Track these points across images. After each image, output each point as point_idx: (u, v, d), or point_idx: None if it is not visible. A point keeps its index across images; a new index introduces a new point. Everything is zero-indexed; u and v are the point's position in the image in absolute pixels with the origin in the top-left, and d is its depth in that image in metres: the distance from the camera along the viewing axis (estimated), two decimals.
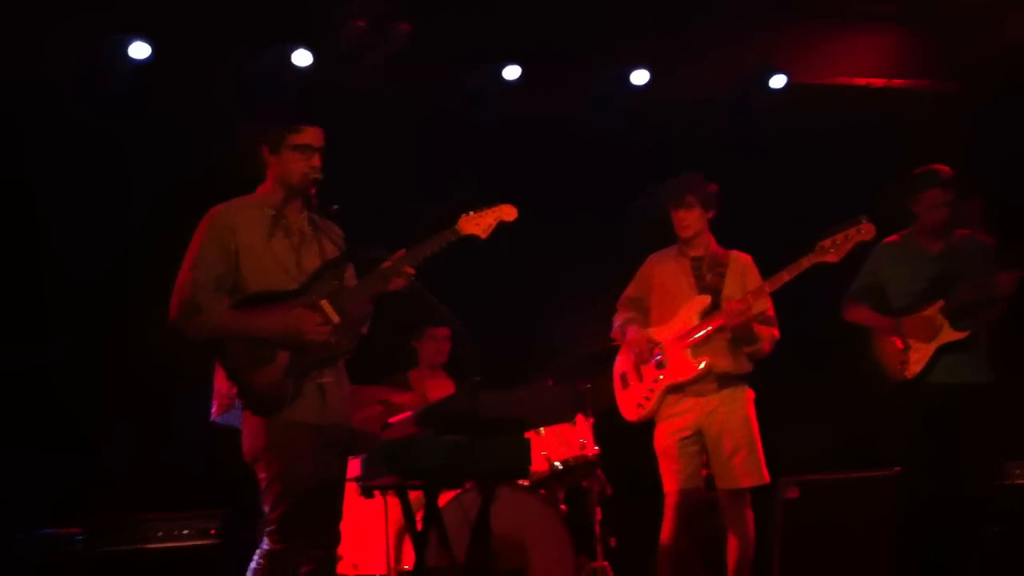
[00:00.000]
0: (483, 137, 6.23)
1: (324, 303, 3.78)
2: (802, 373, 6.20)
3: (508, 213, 4.02)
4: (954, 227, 5.04)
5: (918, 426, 4.92)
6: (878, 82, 6.67)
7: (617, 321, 5.05)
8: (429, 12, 5.83)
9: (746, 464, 4.75)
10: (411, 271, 3.81)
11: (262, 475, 3.73)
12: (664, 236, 5.03)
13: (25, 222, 5.64)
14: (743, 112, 6.49)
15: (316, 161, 3.84)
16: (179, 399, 5.10)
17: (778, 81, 6.41)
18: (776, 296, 4.81)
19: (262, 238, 3.81)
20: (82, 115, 5.68)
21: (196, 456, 5.32)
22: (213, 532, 4.86)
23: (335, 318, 3.77)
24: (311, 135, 3.84)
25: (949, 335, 4.87)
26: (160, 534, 4.75)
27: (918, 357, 4.91)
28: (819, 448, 6.23)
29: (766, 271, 4.84)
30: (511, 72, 6.14)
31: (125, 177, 5.77)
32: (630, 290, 5.08)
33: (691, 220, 4.87)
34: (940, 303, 4.89)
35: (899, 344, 4.97)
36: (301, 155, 3.82)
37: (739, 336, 4.76)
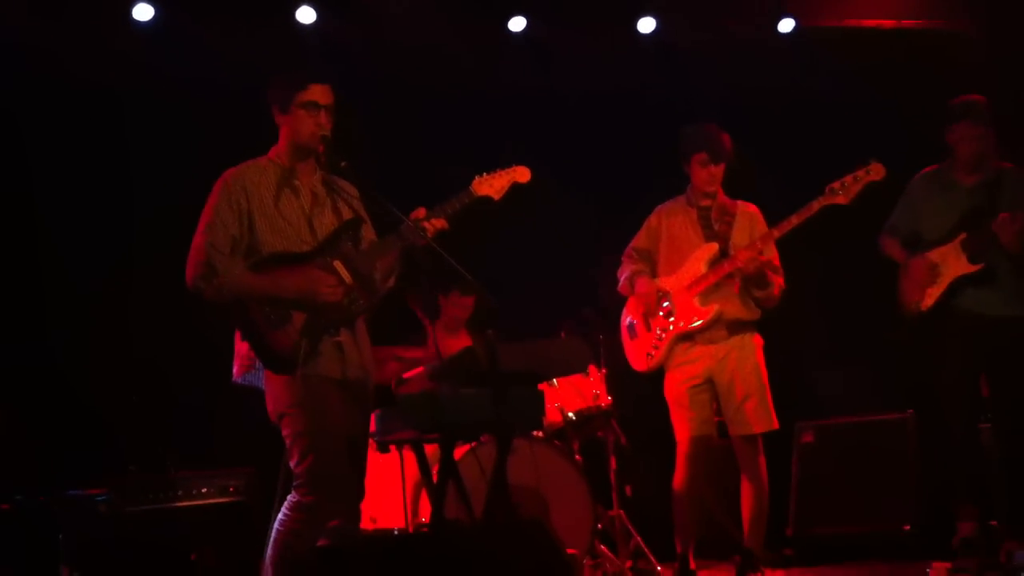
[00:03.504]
0: (494, 93, 6.19)
1: (338, 264, 3.81)
2: (817, 317, 6.20)
3: (522, 175, 4.06)
4: (995, 159, 4.93)
5: (943, 355, 4.89)
6: (888, 23, 6.60)
7: (623, 273, 5.05)
8: None
9: (758, 410, 4.78)
10: (430, 232, 3.84)
11: (287, 431, 3.78)
12: (673, 186, 5.02)
13: (23, 213, 5.65)
14: (751, 57, 6.43)
15: (323, 119, 3.86)
16: (199, 359, 5.15)
17: (787, 25, 6.35)
18: (789, 240, 4.80)
19: (272, 199, 3.84)
20: (79, 79, 5.65)
21: (216, 416, 5.36)
22: (232, 489, 4.90)
23: (348, 279, 3.81)
24: (318, 92, 3.85)
25: (964, 268, 4.84)
26: (180, 493, 4.80)
27: (932, 292, 4.89)
28: (834, 392, 6.24)
29: (776, 218, 4.83)
30: (516, 24, 6.10)
31: (125, 150, 5.76)
32: (637, 241, 5.07)
33: (720, 174, 4.86)
34: (963, 235, 4.85)
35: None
36: (308, 113, 3.84)
37: (753, 281, 4.76)
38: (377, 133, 5.64)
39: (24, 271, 5.64)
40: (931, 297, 4.87)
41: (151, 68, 5.71)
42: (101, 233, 5.71)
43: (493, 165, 4.08)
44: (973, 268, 4.81)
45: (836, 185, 4.68)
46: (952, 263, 4.84)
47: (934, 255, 4.89)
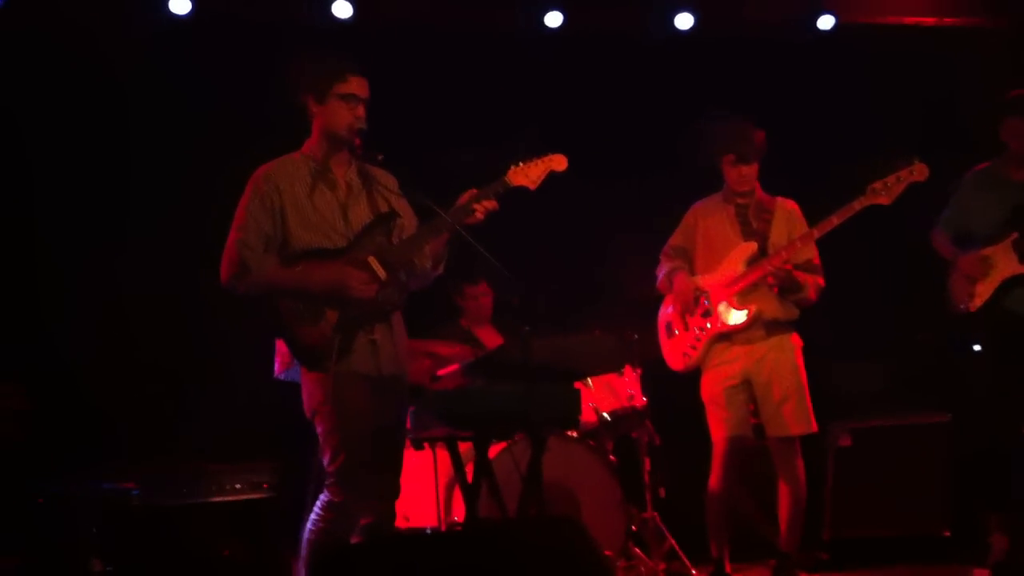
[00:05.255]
0: (528, 83, 6.14)
1: (371, 260, 3.77)
2: (855, 316, 6.12)
3: (559, 163, 3.96)
4: None
5: (989, 355, 4.83)
6: (928, 21, 6.52)
7: (661, 271, 5.00)
8: None
9: (796, 412, 4.71)
10: (480, 214, 3.77)
11: (320, 428, 3.75)
12: (711, 181, 4.96)
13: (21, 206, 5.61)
14: (790, 54, 6.36)
15: (361, 111, 3.82)
16: (236, 354, 5.15)
17: (826, 22, 6.28)
18: (828, 239, 4.72)
19: (306, 194, 3.80)
20: (90, 69, 5.60)
21: (250, 410, 5.35)
22: (266, 486, 4.88)
23: (382, 274, 3.77)
24: (356, 84, 3.81)
25: (1014, 268, 4.75)
26: (213, 487, 4.78)
27: (982, 290, 4.81)
28: (871, 392, 6.15)
29: (814, 217, 4.76)
30: (553, 19, 6.05)
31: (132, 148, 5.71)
32: (674, 239, 5.02)
33: (752, 174, 4.80)
34: (1015, 235, 4.76)
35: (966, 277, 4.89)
36: (346, 105, 3.80)
37: (783, 286, 4.70)
38: (416, 122, 5.61)
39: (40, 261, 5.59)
40: (980, 297, 4.80)
41: (160, 64, 5.68)
42: (104, 229, 5.66)
43: (526, 153, 3.98)
44: (1021, 269, 4.72)
45: (878, 185, 4.60)
46: (1003, 263, 4.76)
47: (984, 253, 4.82)
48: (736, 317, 4.75)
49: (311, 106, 3.84)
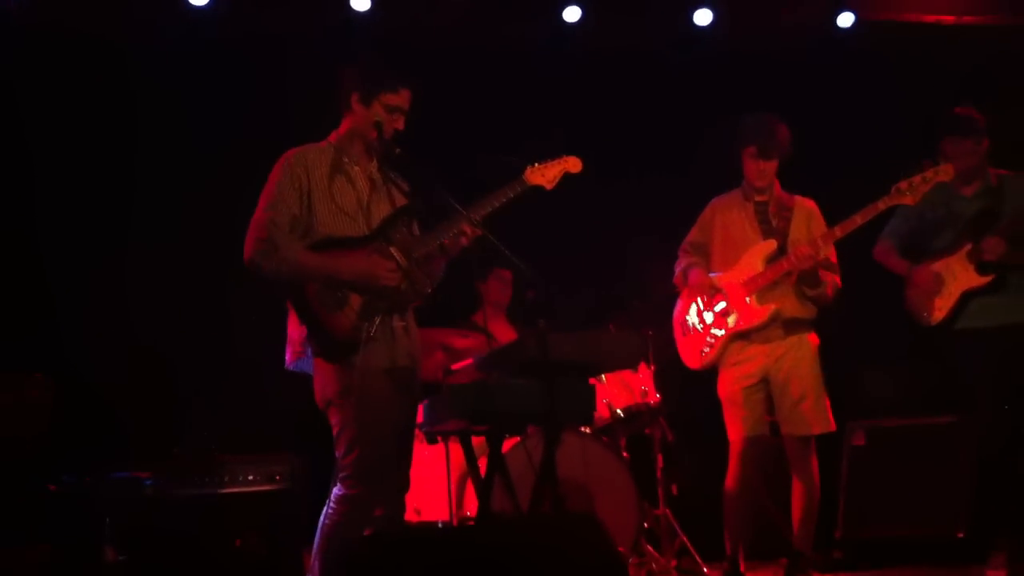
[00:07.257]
0: (548, 82, 6.13)
1: (394, 250, 3.78)
2: (870, 316, 6.09)
3: (573, 165, 4.06)
4: (989, 167, 4.89)
5: (968, 371, 4.84)
6: (948, 19, 6.48)
7: (679, 267, 4.98)
8: None
9: (814, 410, 4.69)
10: (466, 239, 3.83)
11: (334, 420, 3.75)
12: (730, 178, 4.93)
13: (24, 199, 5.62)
14: (810, 51, 6.34)
15: (401, 124, 3.85)
16: (247, 344, 5.15)
17: (846, 19, 6.25)
18: (846, 239, 4.70)
19: (330, 182, 3.82)
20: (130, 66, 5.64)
21: (262, 401, 5.36)
22: (278, 477, 4.88)
23: (404, 263, 3.79)
24: (405, 98, 3.84)
25: (973, 280, 4.75)
26: (227, 478, 4.79)
27: (942, 303, 4.82)
28: (885, 393, 6.13)
29: (832, 216, 4.73)
30: (571, 14, 6.04)
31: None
32: (692, 236, 4.99)
33: (771, 170, 4.77)
34: (968, 246, 4.77)
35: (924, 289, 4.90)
36: (390, 115, 3.82)
37: (804, 280, 4.67)
38: (430, 120, 5.60)
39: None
40: (940, 311, 4.82)
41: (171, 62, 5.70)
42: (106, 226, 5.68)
43: (542, 155, 4.05)
44: (983, 280, 4.75)
45: (904, 185, 4.57)
46: (961, 275, 4.78)
47: (938, 265, 4.83)
48: (733, 320, 4.74)
49: (354, 102, 3.85)
